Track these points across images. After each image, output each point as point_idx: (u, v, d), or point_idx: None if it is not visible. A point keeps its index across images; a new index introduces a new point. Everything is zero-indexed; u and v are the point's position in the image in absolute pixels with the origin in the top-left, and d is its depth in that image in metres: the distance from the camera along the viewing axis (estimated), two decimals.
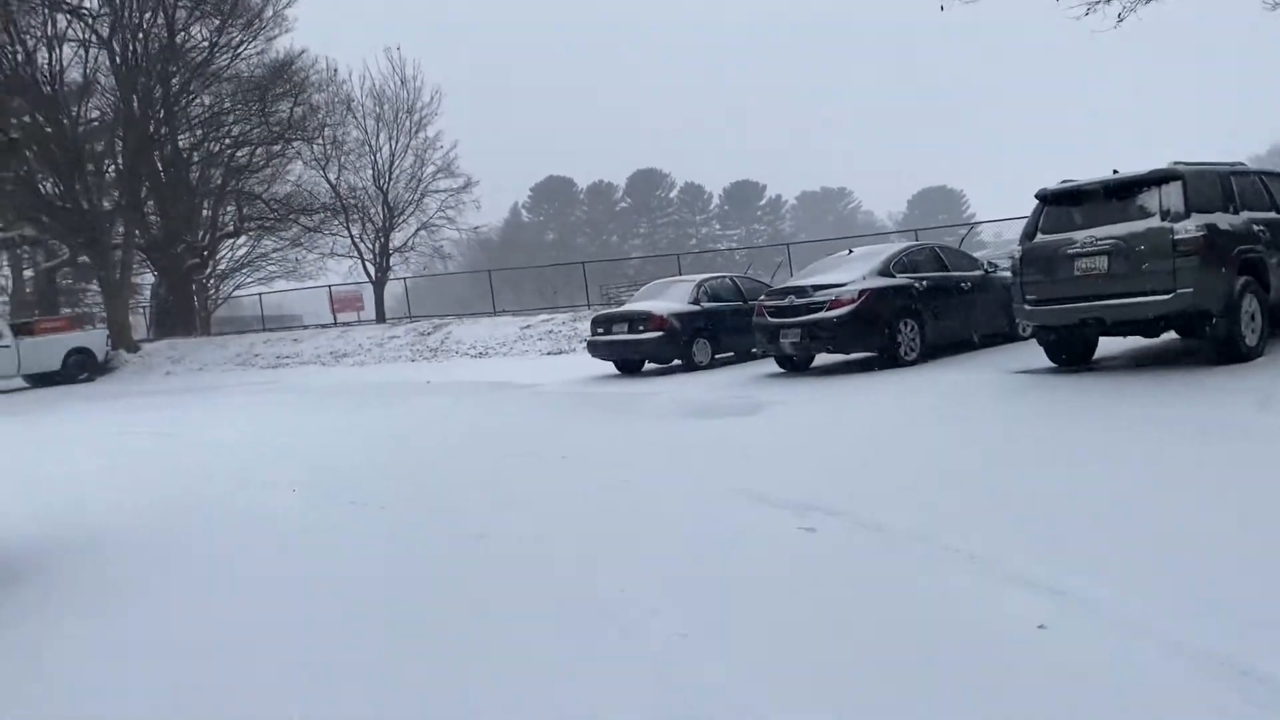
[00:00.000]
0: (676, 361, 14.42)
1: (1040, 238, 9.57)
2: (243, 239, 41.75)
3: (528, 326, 22.63)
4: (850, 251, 13.23)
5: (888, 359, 11.75)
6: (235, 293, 44.31)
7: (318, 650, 3.89)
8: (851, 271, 12.05)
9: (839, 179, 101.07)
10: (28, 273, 38.63)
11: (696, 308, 14.53)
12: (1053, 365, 10.15)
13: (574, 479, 7.08)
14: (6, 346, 24.71)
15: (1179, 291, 8.61)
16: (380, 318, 35.79)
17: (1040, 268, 9.48)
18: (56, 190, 29.61)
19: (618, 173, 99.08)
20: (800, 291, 12.03)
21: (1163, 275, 8.68)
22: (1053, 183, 9.82)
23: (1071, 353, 10.10)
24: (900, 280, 12.00)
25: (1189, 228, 8.63)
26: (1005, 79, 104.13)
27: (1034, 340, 12.67)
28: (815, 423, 8.58)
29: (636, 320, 14.28)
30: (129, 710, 3.52)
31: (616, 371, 15.00)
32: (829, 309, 11.61)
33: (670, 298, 14.77)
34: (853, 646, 3.51)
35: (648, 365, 14.95)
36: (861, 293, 11.58)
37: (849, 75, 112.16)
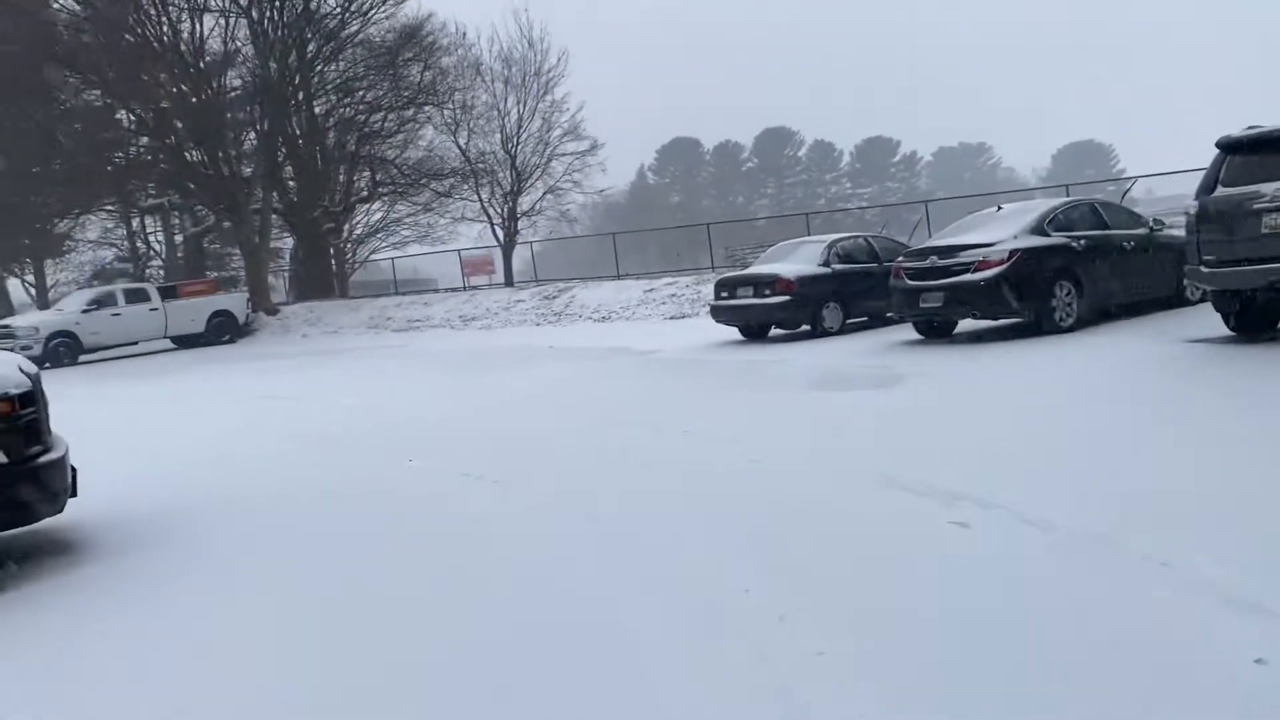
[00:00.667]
0: (805, 327, 13.70)
1: (1221, 191, 8.48)
2: (377, 204, 42.83)
3: (651, 290, 22.19)
4: (999, 208, 12.21)
5: (1041, 326, 10.78)
6: (371, 257, 45.50)
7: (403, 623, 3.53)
8: (1001, 230, 11.08)
9: (978, 134, 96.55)
10: (177, 238, 40.43)
11: (827, 270, 13.75)
12: (1232, 334, 9.06)
13: (698, 457, 6.58)
14: (154, 310, 25.77)
15: None
16: (509, 281, 35.99)
17: (1221, 225, 8.42)
18: (201, 158, 30.67)
19: (745, 132, 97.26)
20: (943, 251, 11.15)
21: None
22: (1235, 129, 8.70)
23: (1254, 321, 8.98)
24: (1055, 239, 10.97)
25: None
26: (1155, 27, 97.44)
27: (1206, 306, 11.55)
28: (961, 398, 7.80)
29: (762, 283, 13.60)
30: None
31: (741, 338, 14.39)
32: (976, 270, 10.71)
33: (799, 259, 14.02)
34: (1035, 675, 2.91)
35: (775, 331, 14.29)
36: (1012, 253, 10.63)
37: (986, 24, 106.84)
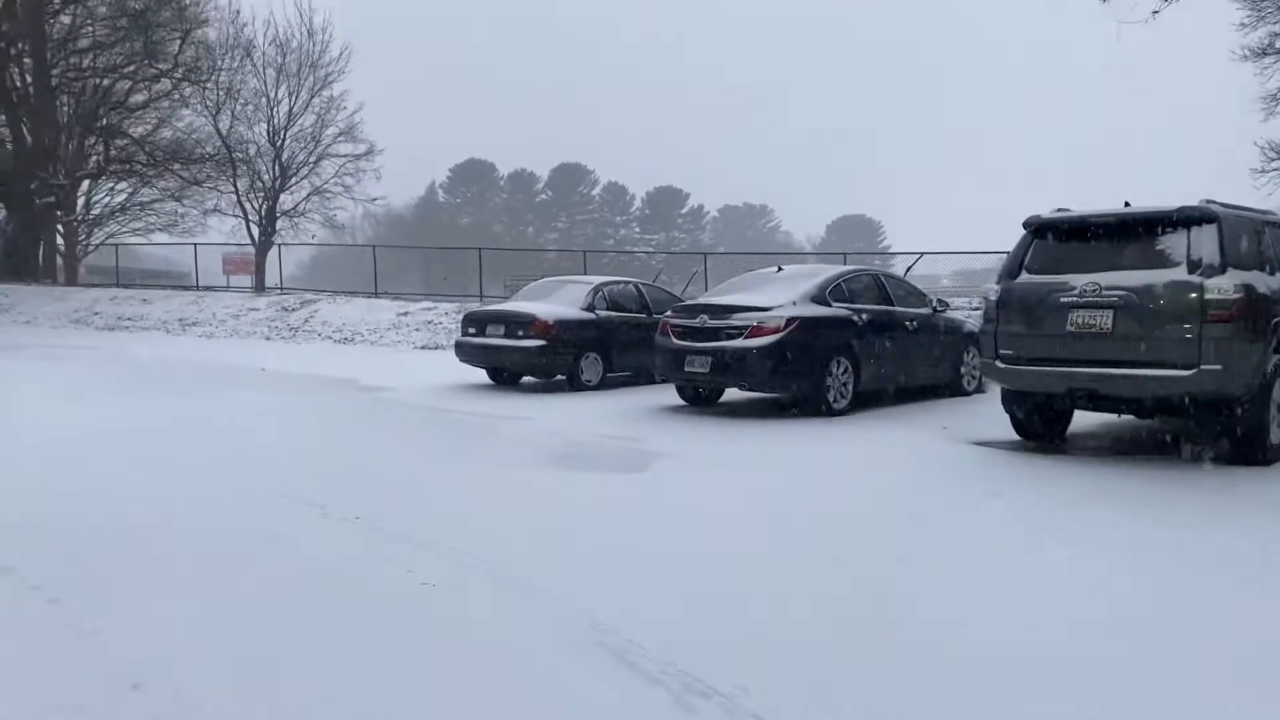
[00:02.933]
0: (560, 377, 11.98)
1: (1026, 278, 7.46)
2: (123, 184, 37.95)
3: (405, 314, 19.94)
4: (780, 269, 10.98)
5: (812, 404, 9.55)
6: (107, 241, 40.26)
7: None
8: (779, 294, 9.79)
9: (760, 196, 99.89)
10: None
11: (590, 315, 12.09)
12: (1018, 439, 8.07)
13: (349, 573, 4.63)
14: None
15: (1204, 368, 6.56)
16: (260, 286, 32.48)
17: (1023, 317, 7.38)
18: None
19: (542, 163, 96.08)
20: (716, 311, 9.74)
21: (1184, 345, 6.64)
22: (1044, 210, 7.75)
23: (1043, 427, 8.03)
24: (836, 310, 9.81)
25: (1224, 286, 6.61)
26: (936, 114, 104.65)
27: (983, 398, 10.79)
28: (713, 499, 6.20)
29: (515, 323, 11.76)
30: None
31: (490, 381, 12.50)
32: (748, 336, 9.34)
33: (560, 300, 12.29)
34: None
35: (528, 379, 12.51)
36: (789, 321, 9.34)
37: (775, 93, 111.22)
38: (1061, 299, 7.11)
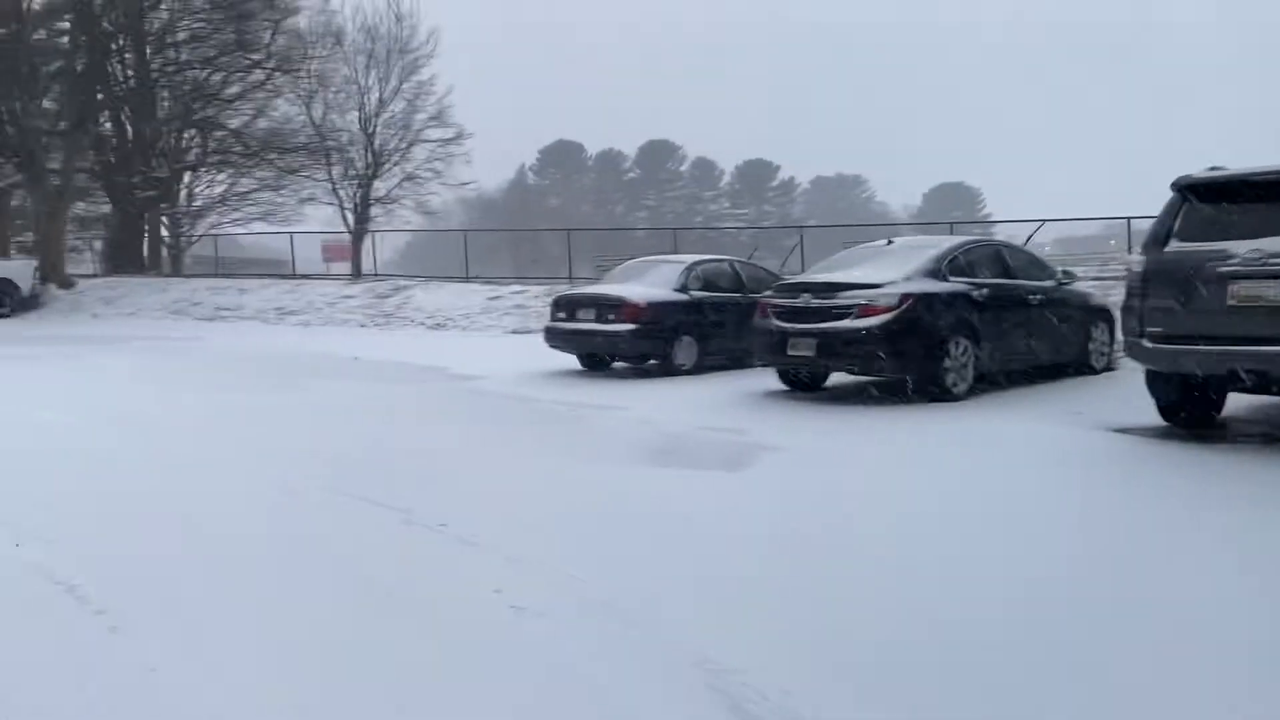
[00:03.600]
0: (653, 362, 11.45)
1: (1176, 247, 6.62)
2: (223, 175, 38.74)
3: (496, 298, 19.68)
4: (890, 242, 10.22)
5: (928, 389, 8.82)
6: (210, 232, 41.21)
7: None
8: (891, 269, 9.06)
9: (854, 166, 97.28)
10: None
11: (684, 297, 11.52)
12: (1164, 424, 7.23)
13: (432, 593, 4.19)
14: None
15: None
16: (355, 273, 32.77)
17: (1173, 290, 6.54)
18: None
19: (629, 141, 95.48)
20: (821, 289, 9.06)
21: None
22: (1197, 169, 6.87)
23: (1193, 411, 7.17)
24: (955, 285, 9.04)
25: None
26: (1032, 80, 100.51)
27: (1115, 376, 9.90)
28: (832, 503, 5.56)
29: (606, 306, 11.27)
30: None
31: (581, 367, 12.05)
32: (858, 316, 8.64)
33: (652, 281, 11.74)
34: None
35: (619, 363, 12.01)
36: (903, 298, 8.62)
37: (869, 62, 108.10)
38: (1219, 269, 6.25)
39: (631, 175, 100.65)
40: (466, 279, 24.31)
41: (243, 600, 4.04)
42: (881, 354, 8.62)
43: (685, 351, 11.36)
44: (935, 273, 9.05)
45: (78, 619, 3.79)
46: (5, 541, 4.71)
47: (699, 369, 11.42)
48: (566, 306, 11.75)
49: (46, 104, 27.88)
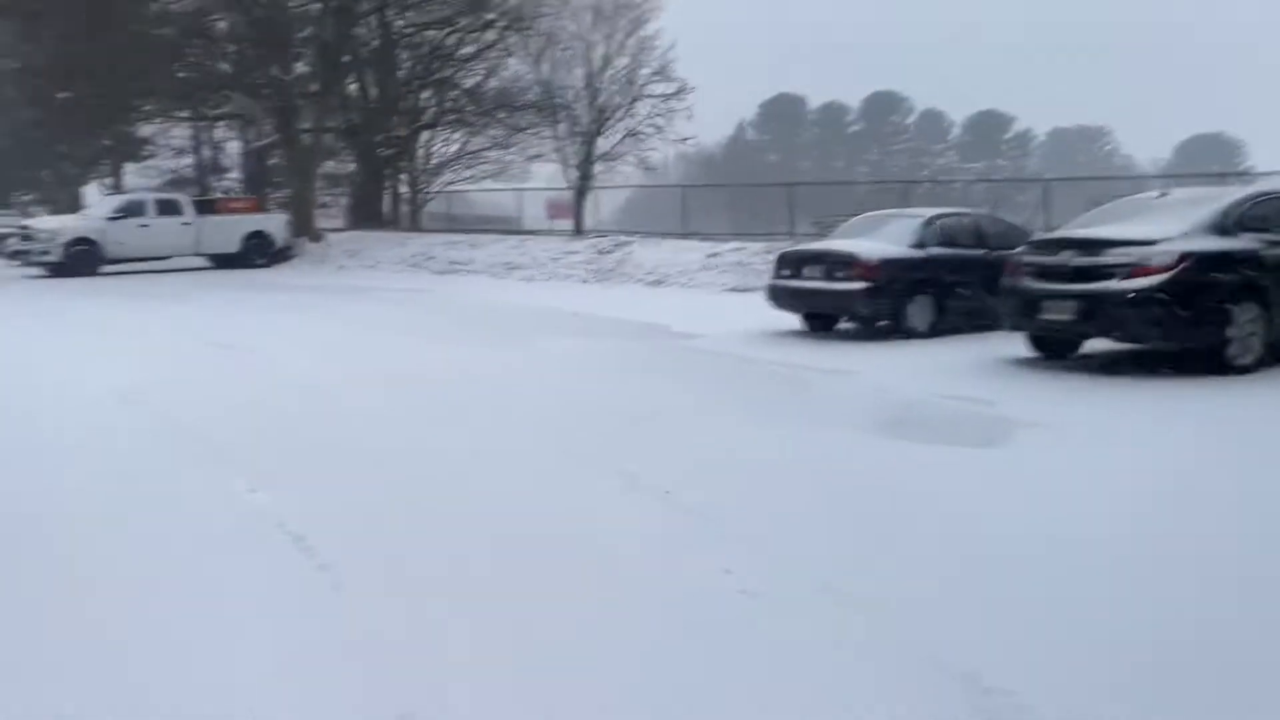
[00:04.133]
0: (884, 323, 10.75)
1: None
2: (457, 134, 40.39)
3: (714, 255, 19.30)
4: (1163, 194, 9.06)
5: (1206, 360, 7.73)
6: (446, 189, 43.15)
7: None
8: (1166, 224, 7.97)
9: (1096, 117, 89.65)
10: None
11: (920, 253, 10.71)
12: None
13: (655, 570, 3.91)
14: (187, 224, 23.87)
15: None
16: (578, 230, 33.36)
17: None
18: (256, 64, 28.51)
19: (853, 94, 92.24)
20: (1084, 246, 8.10)
21: None
22: None
23: None
24: (1242, 243, 7.86)
25: None
26: None
27: None
28: (1109, 492, 4.86)
29: (835, 263, 10.63)
30: None
31: (803, 327, 11.52)
32: (1127, 277, 7.65)
33: (886, 237, 10.99)
34: None
35: (844, 323, 11.37)
36: (1182, 257, 7.56)
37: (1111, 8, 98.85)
38: None
39: (854, 129, 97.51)
40: (685, 235, 24.09)
41: (465, 570, 3.89)
42: (1154, 319, 7.63)
43: (920, 313, 10.58)
44: (1220, 227, 7.89)
45: (299, 570, 3.77)
46: (241, 488, 4.83)
47: (934, 332, 10.60)
48: (792, 263, 11.21)
49: (300, 68, 29.82)
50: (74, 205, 34.60)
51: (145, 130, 43.84)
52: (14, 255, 22.70)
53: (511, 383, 8.34)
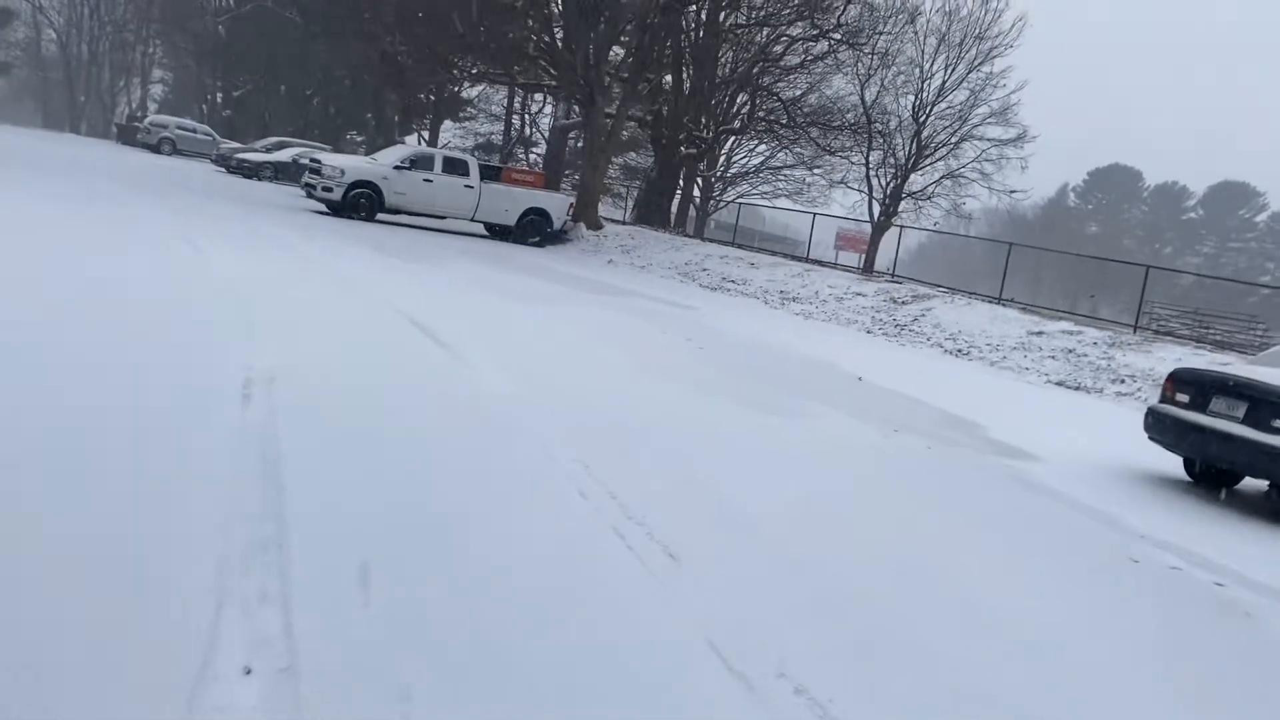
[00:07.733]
0: None
1: None
2: (763, 146, 38.30)
3: (1039, 333, 15.78)
4: None
5: None
6: (737, 199, 41.19)
7: None
8: None
9: None
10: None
11: None
12: None
13: None
14: (469, 187, 23.05)
15: None
16: (868, 268, 30.26)
17: None
18: (568, 41, 27.51)
19: (1198, 177, 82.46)
20: None
21: None
22: None
23: None
24: None
25: None
26: None
27: None
28: None
29: (1270, 404, 7.22)
30: None
31: (1185, 476, 8.16)
32: None
33: None
34: None
35: (1250, 482, 7.92)
36: None
37: None
38: None
39: (1191, 215, 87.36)
40: (999, 299, 20.51)
41: None
42: None
43: None
44: None
45: None
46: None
47: None
48: (1195, 387, 7.81)
49: (615, 50, 28.60)
50: None
51: (470, 92, 45.03)
52: (304, 187, 22.74)
53: (773, 473, 5.73)
